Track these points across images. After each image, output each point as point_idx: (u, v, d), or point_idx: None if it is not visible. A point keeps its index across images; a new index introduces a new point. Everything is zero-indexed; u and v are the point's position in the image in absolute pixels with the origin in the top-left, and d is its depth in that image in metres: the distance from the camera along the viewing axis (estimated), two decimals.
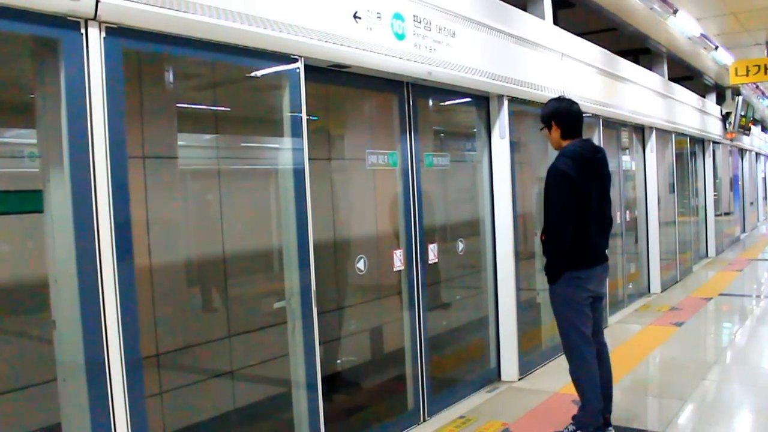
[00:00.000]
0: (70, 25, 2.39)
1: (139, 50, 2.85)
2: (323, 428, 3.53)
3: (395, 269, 4.31)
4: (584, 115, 4.12)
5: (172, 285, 3.74)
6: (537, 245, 5.74)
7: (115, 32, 2.53)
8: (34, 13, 2.28)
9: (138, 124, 3.47)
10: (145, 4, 2.59)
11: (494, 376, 5.30)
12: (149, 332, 3.47)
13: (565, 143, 3.91)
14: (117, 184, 2.53)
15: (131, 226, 2.62)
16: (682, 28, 8.68)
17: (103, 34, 2.49)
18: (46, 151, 2.54)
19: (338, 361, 4.77)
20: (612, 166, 4.10)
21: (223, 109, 4.22)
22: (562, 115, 3.92)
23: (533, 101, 5.52)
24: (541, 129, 4.04)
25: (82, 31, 2.43)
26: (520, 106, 5.44)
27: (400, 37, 3.96)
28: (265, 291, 4.25)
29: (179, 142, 3.89)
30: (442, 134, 5.63)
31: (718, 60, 11.22)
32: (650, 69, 9.40)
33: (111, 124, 2.51)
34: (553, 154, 4.00)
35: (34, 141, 2.68)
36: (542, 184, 3.93)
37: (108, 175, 2.50)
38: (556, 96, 4.10)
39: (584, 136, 4.00)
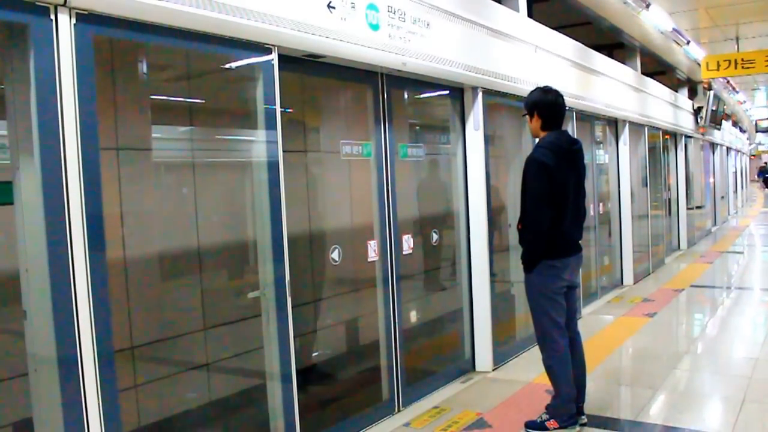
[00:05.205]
0: (39, 10, 2.35)
1: (110, 37, 2.80)
2: (298, 420, 3.53)
3: (369, 260, 4.31)
4: None
5: (145, 276, 3.70)
6: (511, 237, 5.78)
7: (86, 19, 2.49)
8: None
9: (111, 115, 3.42)
10: None
11: (468, 367, 5.33)
12: (123, 324, 3.44)
13: (543, 134, 3.95)
14: (89, 175, 2.49)
15: (103, 217, 2.58)
16: (654, 23, 8.78)
17: (74, 21, 2.45)
18: (15, 141, 2.49)
19: (313, 353, 4.77)
20: (586, 158, 4.14)
21: (197, 100, 4.18)
22: (546, 107, 3.93)
23: (507, 93, 5.55)
24: (524, 115, 4.07)
25: (52, 17, 2.38)
26: (494, 98, 5.46)
27: (375, 27, 3.95)
28: (240, 283, 4.23)
29: (153, 134, 3.84)
30: (416, 126, 5.64)
31: (689, 55, 11.37)
32: (624, 63, 9.50)
33: (82, 113, 2.47)
34: (528, 146, 4.03)
35: (4, 132, 2.63)
36: (516, 175, 3.95)
37: (80, 165, 2.46)
38: (541, 86, 4.08)
39: None
